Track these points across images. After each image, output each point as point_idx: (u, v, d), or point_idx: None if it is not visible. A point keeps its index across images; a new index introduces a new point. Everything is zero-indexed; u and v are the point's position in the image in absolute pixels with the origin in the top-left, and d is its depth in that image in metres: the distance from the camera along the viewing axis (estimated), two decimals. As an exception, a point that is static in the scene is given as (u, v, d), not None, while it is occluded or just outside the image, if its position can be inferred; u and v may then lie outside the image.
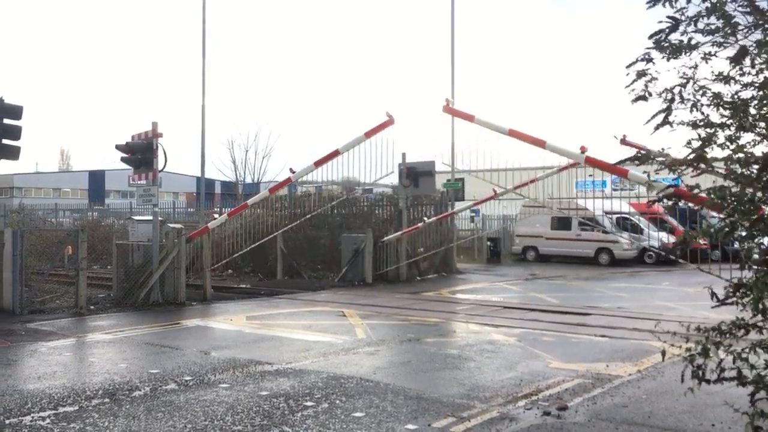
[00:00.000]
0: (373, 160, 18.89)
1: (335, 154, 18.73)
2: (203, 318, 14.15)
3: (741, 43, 4.98)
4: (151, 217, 16.50)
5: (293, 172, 19.31)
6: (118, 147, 16.38)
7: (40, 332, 12.09)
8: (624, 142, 12.80)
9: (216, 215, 24.72)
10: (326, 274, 22.26)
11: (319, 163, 18.83)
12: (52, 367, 9.30)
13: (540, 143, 10.00)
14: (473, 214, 35.22)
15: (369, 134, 18.65)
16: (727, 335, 4.44)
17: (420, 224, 22.50)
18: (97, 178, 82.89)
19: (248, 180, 51.30)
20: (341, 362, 9.59)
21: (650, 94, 5.24)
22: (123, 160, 16.44)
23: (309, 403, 7.38)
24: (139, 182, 16.43)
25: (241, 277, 23.06)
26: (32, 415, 7.02)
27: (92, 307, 15.15)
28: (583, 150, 14.45)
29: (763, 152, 4.51)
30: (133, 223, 18.02)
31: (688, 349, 4.43)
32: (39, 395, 7.76)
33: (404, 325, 13.10)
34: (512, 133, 10.73)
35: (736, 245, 4.77)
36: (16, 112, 13.70)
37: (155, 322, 13.46)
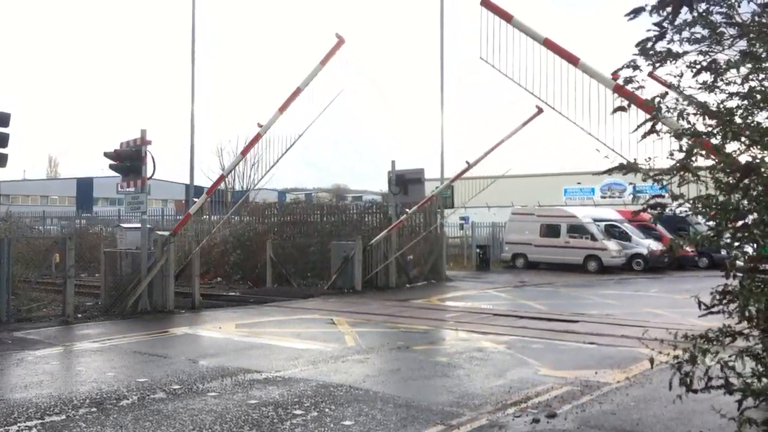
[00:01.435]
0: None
1: (297, 92, 17.35)
2: (192, 326, 14.08)
3: (726, 52, 5.04)
4: (139, 225, 16.43)
5: (260, 126, 17.53)
6: (106, 154, 16.33)
7: (27, 341, 11.99)
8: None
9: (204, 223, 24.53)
10: (316, 282, 22.23)
11: (283, 108, 17.10)
12: (39, 376, 9.22)
13: (574, 60, 9.59)
14: (462, 221, 35.31)
15: (324, 61, 17.77)
16: (714, 343, 4.47)
17: (403, 216, 22.45)
18: (85, 186, 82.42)
19: (237, 187, 51.20)
20: (330, 370, 9.56)
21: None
22: (111, 167, 16.39)
23: (298, 412, 7.36)
24: (127, 189, 16.37)
25: (231, 285, 23.00)
26: (18, 424, 6.96)
27: (80, 315, 15.05)
28: (614, 77, 14.14)
29: (746, 160, 4.56)
30: (122, 231, 17.98)
31: (676, 357, 4.46)
32: (26, 405, 7.69)
33: (394, 333, 13.09)
34: (547, 43, 10.21)
35: (723, 252, 4.81)
36: (3, 119, 13.62)
37: (143, 331, 13.38)
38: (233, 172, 49.77)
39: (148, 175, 15.87)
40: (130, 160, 15.99)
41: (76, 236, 21.24)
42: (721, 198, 4.50)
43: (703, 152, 4.75)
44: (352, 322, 14.24)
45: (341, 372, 9.43)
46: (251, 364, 9.96)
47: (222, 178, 18.38)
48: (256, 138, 17.40)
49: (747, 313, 4.29)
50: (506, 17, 10.71)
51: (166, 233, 16.85)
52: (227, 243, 25.37)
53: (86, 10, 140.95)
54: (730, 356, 4.49)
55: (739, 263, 4.43)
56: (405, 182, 23.11)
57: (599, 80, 10.64)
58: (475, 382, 8.88)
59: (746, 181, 4.29)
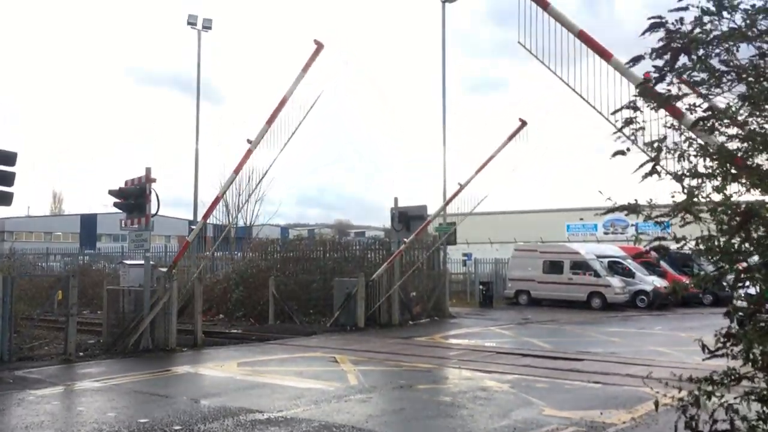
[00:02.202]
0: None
1: (283, 102, 17.32)
2: (194, 365, 14.01)
3: (726, 95, 5.10)
4: (142, 261, 16.45)
5: (250, 142, 17.37)
6: (111, 192, 16.44)
7: (29, 380, 11.94)
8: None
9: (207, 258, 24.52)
10: (318, 319, 22.15)
11: (270, 120, 17.10)
12: (40, 417, 9.16)
13: (607, 55, 9.53)
14: (465, 258, 35.28)
15: (305, 68, 17.69)
16: (719, 385, 4.44)
17: (402, 246, 22.39)
18: (88, 222, 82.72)
19: (240, 223, 51.36)
20: (333, 410, 9.49)
21: (635, 143, 5.33)
22: (116, 205, 16.50)
23: (300, 454, 7.28)
24: (131, 227, 16.43)
25: (233, 322, 22.91)
26: (18, 467, 6.90)
27: (81, 353, 14.99)
28: (646, 77, 13.92)
29: (747, 202, 4.58)
30: (125, 268, 17.95)
31: (681, 400, 4.42)
32: (26, 446, 7.63)
33: (397, 372, 13.01)
34: (582, 35, 10.16)
35: (728, 290, 4.80)
36: (10, 158, 13.73)
37: (145, 369, 13.31)
38: (237, 207, 49.93)
39: (152, 213, 15.95)
40: (134, 198, 16.09)
41: (79, 273, 21.26)
42: (722, 240, 4.51)
43: (734, 170, 4.72)
44: (355, 360, 14.15)
45: (344, 412, 9.36)
46: (253, 403, 9.89)
47: (218, 199, 18.29)
48: (248, 154, 17.33)
49: (751, 356, 4.27)
50: (542, 4, 10.72)
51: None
52: (230, 280, 25.36)
53: (91, 45, 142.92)
54: (735, 398, 4.46)
55: (742, 304, 4.42)
56: (408, 219, 23.19)
57: (631, 80, 10.31)
58: (479, 422, 8.80)
59: (747, 223, 4.32)
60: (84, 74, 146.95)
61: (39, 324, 16.30)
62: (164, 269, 16.96)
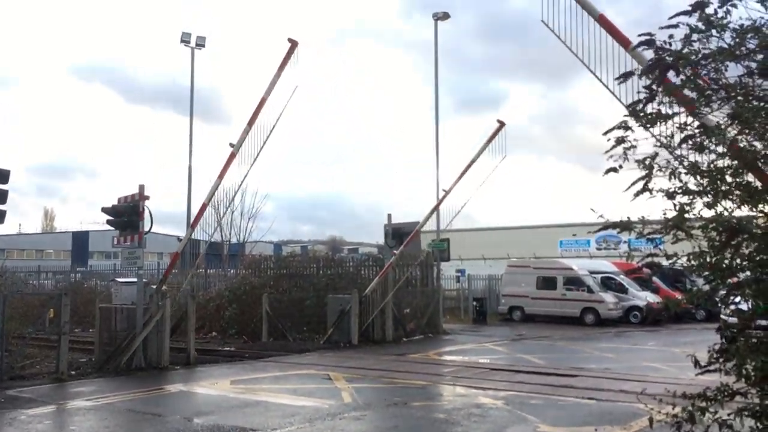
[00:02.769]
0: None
1: (262, 102, 17.18)
2: (187, 383, 13.93)
3: (715, 113, 5.16)
4: (135, 279, 16.39)
5: (233, 145, 17.10)
6: (104, 210, 16.40)
7: (20, 399, 11.84)
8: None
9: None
10: (312, 336, 22.07)
11: (251, 122, 17.12)
12: (32, 436, 9.09)
13: (626, 43, 9.51)
14: (459, 274, 35.27)
15: (281, 67, 17.66)
16: (713, 401, 4.47)
17: (392, 258, 22.36)
18: (80, 239, 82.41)
19: (233, 240, 51.24)
20: (327, 428, 9.45)
21: (627, 160, 5.38)
22: (109, 222, 16.46)
23: (295, 472, 7.25)
24: (124, 244, 16.39)
25: (226, 340, 22.80)
26: (10, 487, 6.84)
27: (74, 372, 14.88)
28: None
29: (737, 218, 4.63)
30: (117, 285, 17.88)
31: (675, 416, 4.45)
32: (17, 466, 7.57)
33: (391, 389, 12.97)
34: (602, 19, 10.16)
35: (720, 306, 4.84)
36: (3, 176, 13.72)
37: (138, 388, 13.22)
38: (230, 224, 49.78)
39: (145, 230, 15.92)
40: (127, 216, 16.06)
41: (71, 291, 21.12)
42: (713, 256, 4.56)
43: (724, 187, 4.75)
44: (349, 378, 14.11)
45: (338, 430, 9.33)
46: (247, 422, 9.84)
47: (204, 206, 18.12)
48: (231, 158, 17.09)
49: (744, 372, 4.31)
50: None
51: (163, 287, 16.78)
52: (223, 297, 25.26)
53: (81, 60, 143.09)
54: (729, 414, 4.49)
55: (733, 320, 4.46)
56: (401, 235, 23.16)
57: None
58: (473, 440, 8.78)
59: (737, 239, 4.37)
60: (77, 90, 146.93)
61: (31, 342, 16.17)
62: (155, 286, 16.90)
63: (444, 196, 22.99)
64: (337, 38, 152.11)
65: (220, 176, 17.27)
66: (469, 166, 22.35)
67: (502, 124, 22.12)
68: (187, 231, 18.45)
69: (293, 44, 17.42)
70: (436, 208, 23.85)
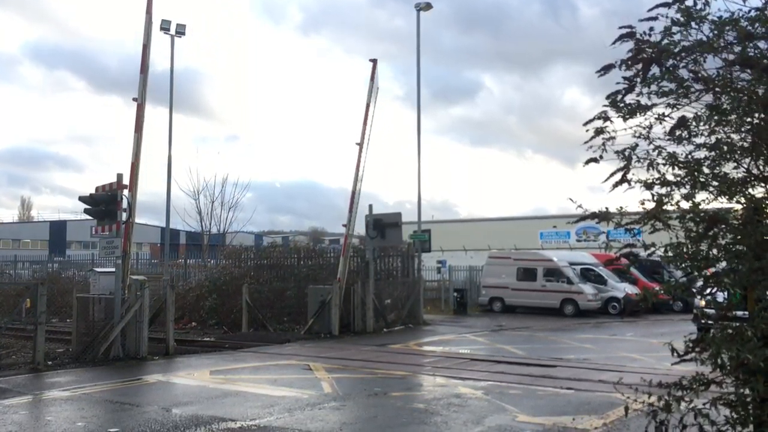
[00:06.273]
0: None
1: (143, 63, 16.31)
2: (165, 373, 13.85)
3: (693, 105, 5.19)
4: (113, 269, 16.23)
5: (135, 100, 16.23)
6: (81, 199, 16.22)
7: (-5, 390, 11.71)
8: None
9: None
10: (293, 327, 22.04)
11: (143, 71, 16.20)
12: (7, 427, 8.99)
13: None
14: (440, 265, 35.38)
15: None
16: (688, 390, 4.51)
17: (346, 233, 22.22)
18: (58, 229, 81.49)
19: (214, 230, 51.02)
20: (307, 418, 9.44)
21: (606, 152, 5.40)
22: (86, 211, 16.28)
23: (273, 462, 7.23)
24: (102, 234, 16.22)
25: (206, 330, 22.70)
26: (-16, 478, 6.77)
27: (50, 362, 14.73)
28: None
29: (714, 209, 4.67)
30: (95, 275, 17.72)
31: (651, 405, 4.48)
32: (-8, 457, 7.49)
33: (371, 379, 12.98)
34: None
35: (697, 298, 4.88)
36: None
37: (115, 378, 13.12)
38: (210, 215, 49.51)
39: (124, 220, 15.77)
40: (105, 205, 15.89)
41: (48, 281, 20.92)
42: (691, 246, 4.59)
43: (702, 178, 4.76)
44: (329, 368, 14.10)
45: (318, 420, 9.32)
46: (226, 412, 9.80)
47: (134, 165, 16.20)
48: (139, 109, 16.41)
49: (719, 361, 4.35)
50: None
51: (141, 278, 16.66)
52: (202, 287, 25.14)
53: (62, 52, 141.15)
54: (704, 404, 4.53)
55: (710, 311, 4.50)
56: (382, 226, 23.15)
57: None
58: (453, 429, 8.82)
59: (714, 230, 4.40)
60: (59, 75, 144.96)
61: (6, 333, 16.03)
62: (136, 277, 16.74)
63: (360, 152, 22.13)
64: (307, 25, 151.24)
65: (137, 130, 16.48)
66: (366, 111, 22.42)
67: (374, 62, 23.15)
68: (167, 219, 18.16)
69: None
70: (357, 167, 22.30)
